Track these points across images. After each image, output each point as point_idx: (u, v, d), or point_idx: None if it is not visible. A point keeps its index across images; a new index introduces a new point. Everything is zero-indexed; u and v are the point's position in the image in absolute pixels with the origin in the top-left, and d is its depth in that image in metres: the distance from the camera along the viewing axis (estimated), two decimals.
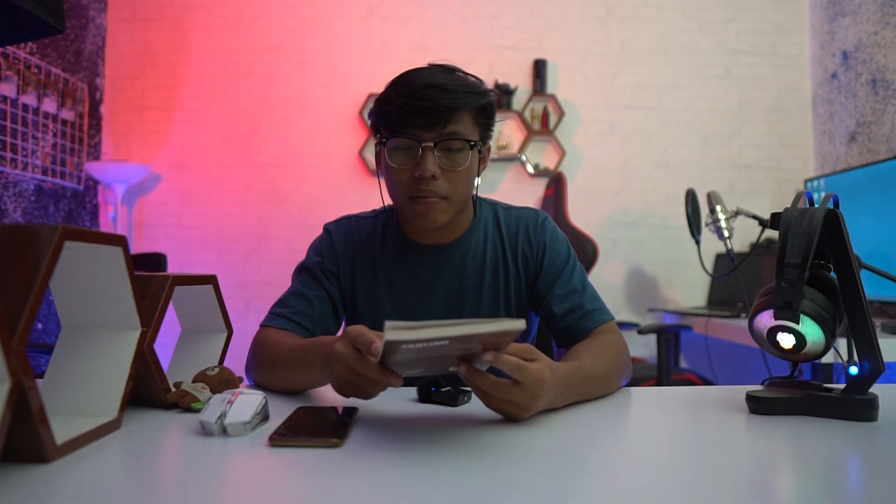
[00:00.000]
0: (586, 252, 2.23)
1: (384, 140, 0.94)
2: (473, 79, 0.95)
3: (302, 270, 1.04)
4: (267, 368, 0.89)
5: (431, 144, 0.90)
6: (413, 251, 1.03)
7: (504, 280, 1.03)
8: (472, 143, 0.94)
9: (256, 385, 0.92)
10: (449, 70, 0.94)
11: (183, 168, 3.03)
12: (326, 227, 1.08)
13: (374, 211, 1.10)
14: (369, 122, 1.00)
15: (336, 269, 1.04)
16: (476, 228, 1.05)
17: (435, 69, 0.93)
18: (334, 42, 3.07)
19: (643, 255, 3.05)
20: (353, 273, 1.04)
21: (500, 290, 1.03)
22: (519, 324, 0.57)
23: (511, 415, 0.67)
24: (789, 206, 0.72)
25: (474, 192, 1.02)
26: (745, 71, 3.11)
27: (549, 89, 3.05)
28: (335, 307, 1.03)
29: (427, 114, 0.89)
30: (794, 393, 0.72)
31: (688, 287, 3.03)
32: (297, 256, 1.12)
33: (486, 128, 0.98)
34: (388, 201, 1.02)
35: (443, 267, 1.02)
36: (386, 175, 0.96)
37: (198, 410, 0.69)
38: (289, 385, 0.85)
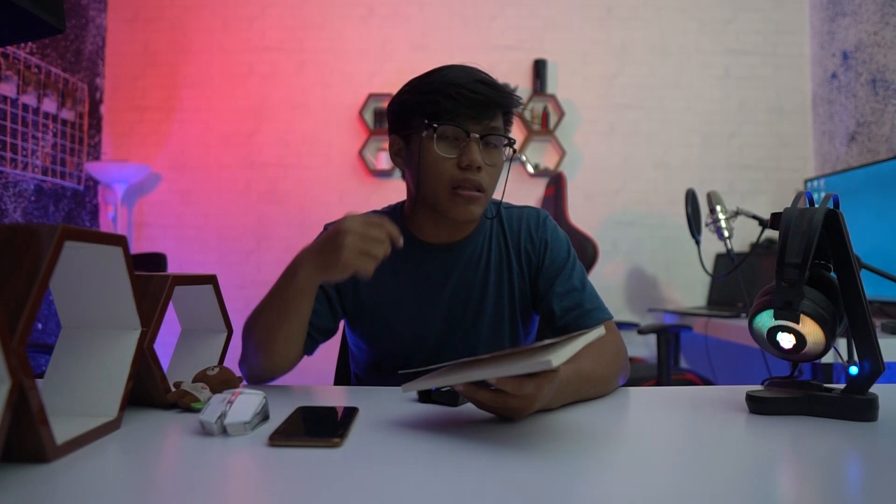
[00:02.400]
0: (586, 252, 2.23)
1: (435, 127, 0.92)
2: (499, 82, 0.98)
3: None
4: (251, 331, 0.91)
5: (478, 136, 0.92)
6: (421, 250, 1.03)
7: (508, 278, 1.03)
8: (511, 140, 0.97)
9: (249, 371, 0.93)
10: (477, 69, 0.96)
11: (183, 168, 3.03)
12: (327, 227, 1.08)
13: (377, 213, 1.10)
14: (394, 111, 0.98)
15: None
16: (482, 227, 1.05)
17: (472, 68, 0.96)
18: (334, 42, 3.07)
19: (643, 255, 3.05)
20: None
21: (504, 288, 1.03)
22: (543, 362, 0.53)
23: (516, 411, 0.66)
24: (789, 206, 0.72)
25: None
26: (745, 71, 3.10)
27: (549, 89, 3.05)
28: (331, 305, 1.02)
29: (479, 106, 0.92)
30: (794, 393, 0.72)
31: (688, 287, 3.03)
32: None
33: (507, 131, 1.01)
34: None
35: (451, 266, 1.02)
36: (425, 164, 0.94)
37: (198, 410, 0.69)
38: (274, 328, 0.88)
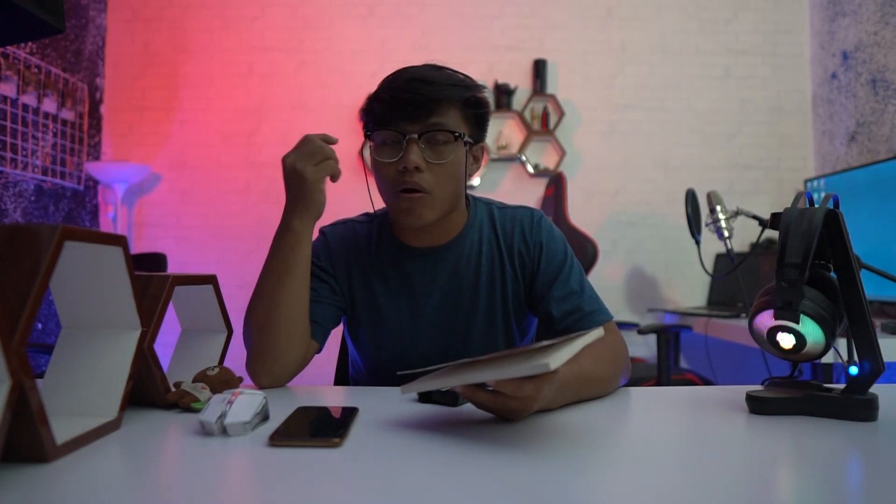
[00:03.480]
0: (586, 252, 2.23)
1: (369, 134, 0.95)
2: (462, 76, 0.96)
3: None
4: (253, 310, 0.94)
5: (416, 136, 0.91)
6: (406, 255, 1.02)
7: (501, 281, 1.02)
8: (458, 134, 0.93)
9: (259, 365, 0.90)
10: (437, 67, 0.95)
11: (183, 168, 3.03)
12: (322, 230, 1.08)
13: (368, 216, 1.09)
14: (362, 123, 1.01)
15: (331, 268, 1.03)
16: (470, 230, 1.03)
17: (424, 66, 0.95)
18: (334, 42, 3.07)
19: (643, 255, 3.05)
20: (350, 276, 1.03)
21: (497, 291, 1.02)
22: (541, 365, 0.53)
23: (515, 412, 0.66)
24: (789, 206, 0.72)
25: (468, 193, 1.02)
26: (745, 71, 3.10)
27: (549, 89, 3.05)
28: (333, 291, 1.02)
29: (411, 106, 0.90)
30: (794, 393, 0.72)
31: (688, 287, 3.03)
32: None
33: (477, 125, 0.98)
34: (378, 201, 1.02)
35: (437, 270, 1.02)
36: (374, 171, 0.97)
37: (198, 410, 0.69)
38: (277, 292, 0.90)
